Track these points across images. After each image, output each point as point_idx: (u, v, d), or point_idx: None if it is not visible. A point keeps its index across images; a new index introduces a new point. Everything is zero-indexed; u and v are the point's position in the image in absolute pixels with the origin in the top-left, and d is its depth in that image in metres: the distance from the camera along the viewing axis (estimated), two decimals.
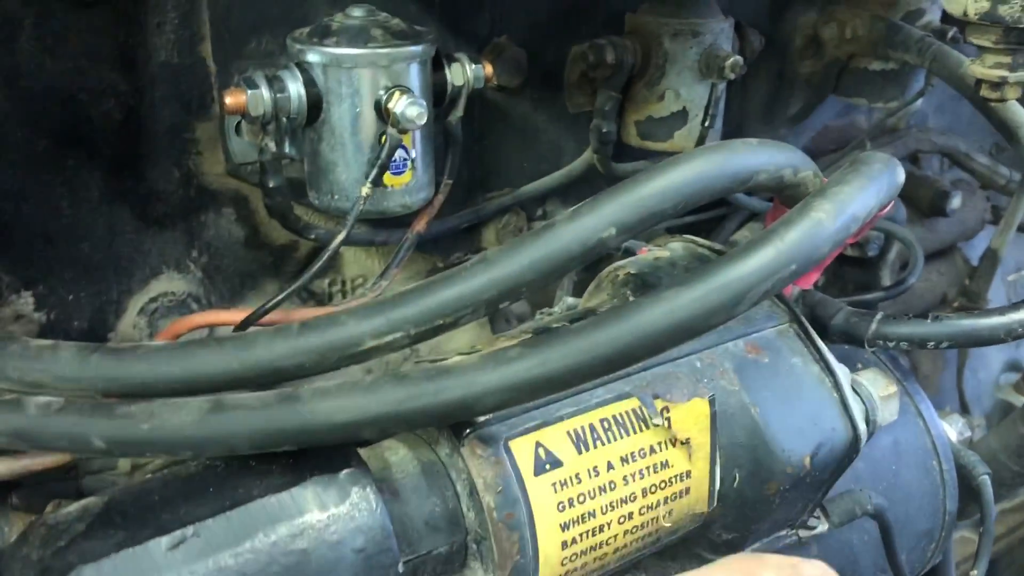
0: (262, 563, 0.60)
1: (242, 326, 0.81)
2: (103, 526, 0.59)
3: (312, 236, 0.93)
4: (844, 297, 1.32)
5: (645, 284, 0.84)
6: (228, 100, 0.80)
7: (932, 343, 0.89)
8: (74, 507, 0.62)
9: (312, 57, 0.81)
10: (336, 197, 0.86)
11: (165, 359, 0.68)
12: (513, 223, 1.09)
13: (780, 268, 0.64)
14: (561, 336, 0.63)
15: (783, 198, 0.80)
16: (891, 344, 0.90)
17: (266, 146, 0.84)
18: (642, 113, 1.06)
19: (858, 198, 0.68)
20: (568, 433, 0.70)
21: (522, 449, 0.68)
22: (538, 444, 0.69)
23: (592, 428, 0.71)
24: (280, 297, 0.83)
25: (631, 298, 0.83)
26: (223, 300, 1.05)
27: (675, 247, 0.90)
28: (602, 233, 0.66)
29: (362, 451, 0.70)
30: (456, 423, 0.68)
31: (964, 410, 1.68)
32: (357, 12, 0.82)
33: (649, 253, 0.89)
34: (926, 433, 1.04)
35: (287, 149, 0.87)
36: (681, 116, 1.04)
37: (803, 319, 0.83)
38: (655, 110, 1.05)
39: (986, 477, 1.05)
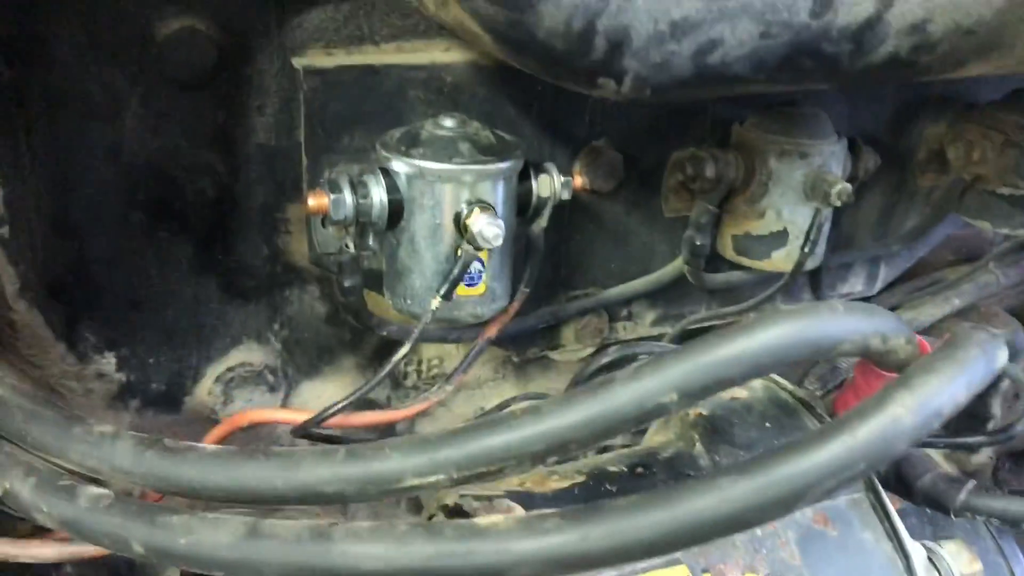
0: None
1: (300, 427, 0.81)
2: None
3: (384, 332, 0.92)
4: (945, 434, 1.24)
5: (714, 429, 0.80)
6: (311, 203, 0.80)
7: None
8: None
9: (397, 166, 0.80)
10: (409, 302, 0.85)
11: (214, 467, 0.69)
12: (594, 324, 1.07)
13: (847, 467, 0.59)
14: (605, 512, 0.60)
15: (872, 362, 0.75)
16: (980, 518, 0.84)
17: (346, 246, 0.84)
18: (740, 228, 1.01)
19: (945, 392, 0.63)
20: None
21: None
22: None
23: None
24: (341, 404, 0.82)
25: (697, 443, 0.79)
26: (300, 372, 1.06)
27: (756, 387, 0.86)
28: (662, 398, 0.63)
29: None
30: None
31: None
32: (448, 123, 0.81)
33: (724, 392, 0.85)
34: None
35: (371, 242, 0.86)
36: (781, 236, 1.00)
37: (880, 490, 0.78)
38: (754, 227, 1.00)
39: None
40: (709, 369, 0.64)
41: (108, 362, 0.97)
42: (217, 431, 0.82)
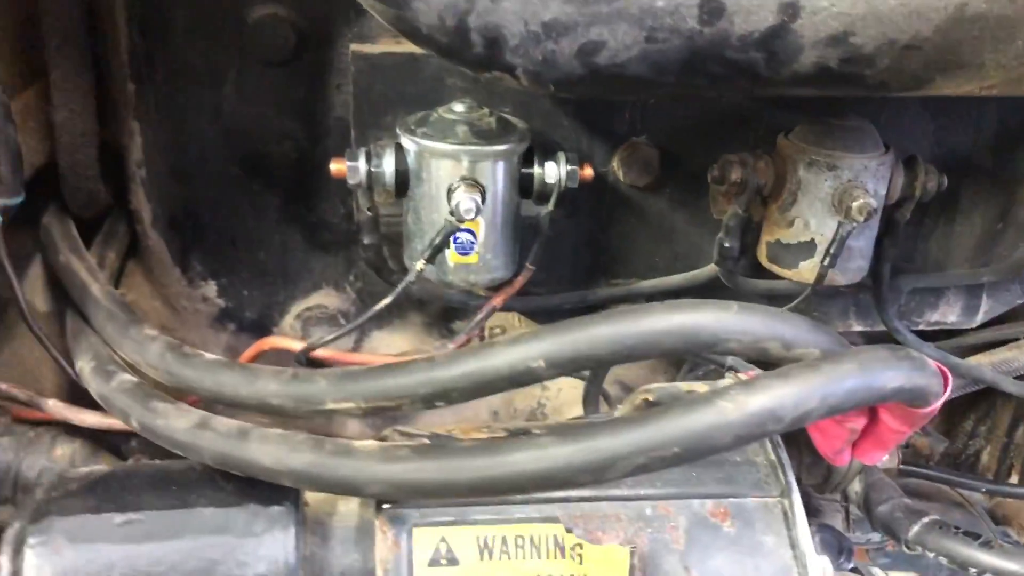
0: (175, 560, 0.73)
1: (298, 353, 0.95)
2: (87, 491, 0.77)
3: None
4: None
5: None
6: (333, 168, 0.93)
7: (974, 570, 0.78)
8: (84, 470, 0.81)
9: (406, 143, 0.91)
10: (413, 262, 0.96)
11: (202, 372, 0.85)
12: None
13: (660, 448, 0.63)
14: (446, 452, 0.68)
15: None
16: (930, 554, 0.80)
17: (367, 209, 0.96)
18: (773, 235, 1.01)
19: (788, 396, 0.64)
20: (477, 537, 0.75)
21: (424, 539, 0.74)
22: (443, 538, 0.75)
23: (504, 540, 0.75)
24: (329, 338, 0.95)
25: None
26: (371, 321, 1.20)
27: (720, 384, 0.88)
28: (532, 363, 0.70)
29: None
30: None
31: None
32: (458, 107, 0.91)
33: (687, 384, 0.88)
34: None
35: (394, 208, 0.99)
36: (809, 247, 0.99)
37: (796, 498, 0.78)
38: (784, 235, 1.00)
39: None
40: (576, 345, 0.69)
41: (211, 288, 1.17)
42: (248, 351, 0.99)
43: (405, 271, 1.02)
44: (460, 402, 0.75)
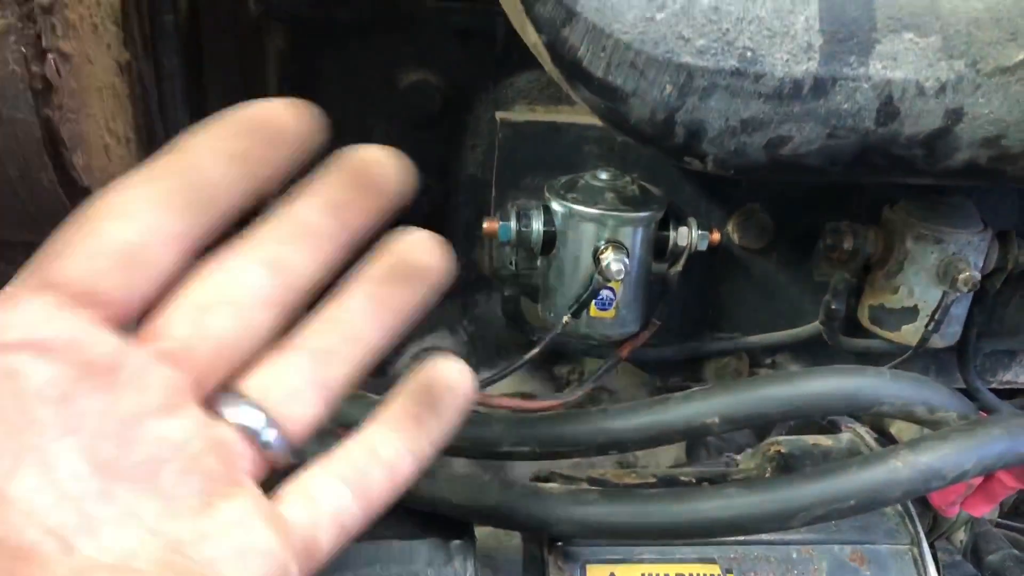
0: None
1: None
2: None
3: (535, 338, 1.11)
4: None
5: (786, 466, 0.91)
6: (486, 226, 1.01)
7: None
8: None
9: (555, 206, 0.99)
10: (552, 315, 1.04)
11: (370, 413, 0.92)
12: (734, 365, 1.19)
13: (838, 501, 0.71)
14: (634, 498, 0.76)
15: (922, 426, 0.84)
16: None
17: (510, 263, 1.04)
18: (877, 299, 1.10)
19: (949, 457, 0.72)
20: (643, 574, 0.82)
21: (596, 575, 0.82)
22: (612, 575, 0.82)
23: None
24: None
25: (767, 475, 0.91)
26: (480, 363, 1.28)
27: (842, 438, 0.96)
28: (706, 419, 0.78)
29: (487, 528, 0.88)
30: None
31: None
32: (603, 175, 0.99)
33: (812, 438, 0.96)
34: None
35: (538, 263, 1.06)
36: (911, 312, 1.07)
37: (925, 547, 0.86)
38: (888, 300, 1.09)
39: None
40: (749, 403, 0.77)
41: None
42: None
43: (537, 322, 1.10)
44: (630, 451, 0.82)
